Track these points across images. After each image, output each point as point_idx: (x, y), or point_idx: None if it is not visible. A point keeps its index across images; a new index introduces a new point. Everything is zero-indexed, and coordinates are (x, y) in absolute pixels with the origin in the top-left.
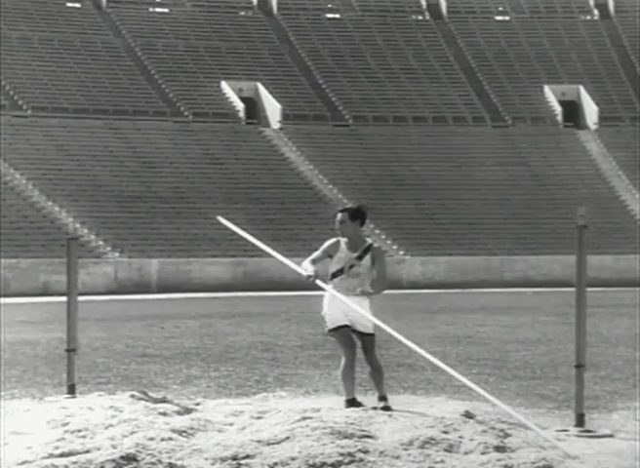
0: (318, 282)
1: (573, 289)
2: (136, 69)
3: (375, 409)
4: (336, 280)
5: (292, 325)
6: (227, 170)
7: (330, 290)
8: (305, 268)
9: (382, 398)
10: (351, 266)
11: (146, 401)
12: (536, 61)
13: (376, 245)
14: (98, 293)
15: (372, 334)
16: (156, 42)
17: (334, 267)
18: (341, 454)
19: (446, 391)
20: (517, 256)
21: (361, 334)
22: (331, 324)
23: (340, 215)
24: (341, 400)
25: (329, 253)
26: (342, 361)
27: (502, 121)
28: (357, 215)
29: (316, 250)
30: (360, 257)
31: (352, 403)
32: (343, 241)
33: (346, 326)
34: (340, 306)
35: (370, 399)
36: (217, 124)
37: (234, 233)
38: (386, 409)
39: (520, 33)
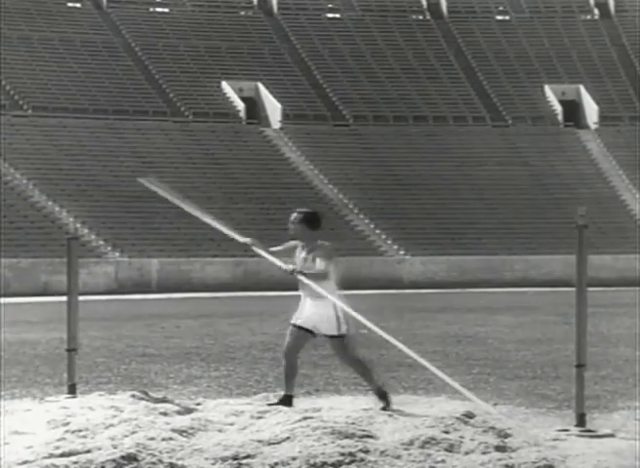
0: (300, 276)
1: (573, 288)
2: (136, 69)
3: (384, 409)
4: (299, 282)
5: None
6: (227, 169)
7: (319, 289)
8: (286, 262)
9: (379, 392)
10: (301, 265)
11: (147, 401)
12: (536, 61)
13: (326, 244)
14: (98, 293)
15: (336, 336)
16: (156, 42)
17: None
18: (342, 454)
19: (446, 391)
20: (517, 256)
21: (327, 338)
22: (296, 318)
23: (292, 216)
24: (342, 400)
25: (287, 253)
26: (285, 360)
27: (503, 120)
28: (306, 219)
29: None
30: (305, 260)
31: (287, 400)
32: (301, 244)
33: (301, 328)
34: (308, 310)
35: (370, 398)
36: (217, 124)
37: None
38: (384, 409)
39: (520, 33)
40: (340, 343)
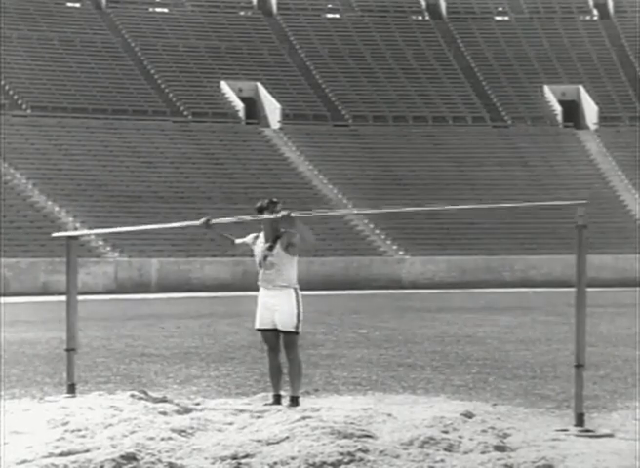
0: (214, 221)
1: (573, 288)
2: (135, 69)
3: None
4: (259, 275)
5: None
6: (227, 169)
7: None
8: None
9: (294, 399)
10: (265, 258)
11: (146, 400)
12: (535, 61)
13: (289, 231)
14: (97, 293)
15: (292, 332)
16: (156, 42)
17: (255, 261)
18: (341, 454)
19: (445, 391)
20: (517, 256)
21: (281, 332)
22: (257, 323)
23: (277, 206)
24: (341, 400)
25: (247, 244)
26: (268, 363)
27: (502, 121)
28: (260, 209)
29: (315, 249)
30: (271, 247)
31: (276, 399)
32: (262, 235)
33: (271, 329)
34: (267, 304)
35: (369, 398)
36: (216, 124)
37: (234, 233)
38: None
39: (520, 33)
40: (295, 340)
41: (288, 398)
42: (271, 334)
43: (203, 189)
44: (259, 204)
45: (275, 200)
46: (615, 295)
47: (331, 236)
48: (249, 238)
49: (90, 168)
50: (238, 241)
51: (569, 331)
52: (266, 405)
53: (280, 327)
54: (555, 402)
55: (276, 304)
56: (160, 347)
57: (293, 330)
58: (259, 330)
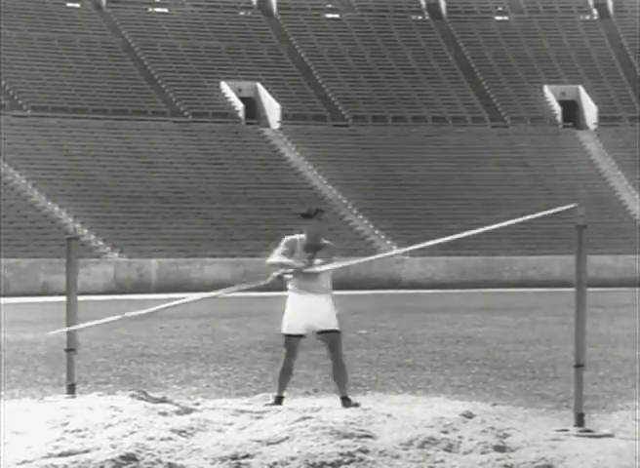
0: (287, 276)
1: (572, 289)
2: (135, 69)
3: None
4: (293, 280)
5: None
6: (227, 170)
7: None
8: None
9: (346, 399)
10: (307, 264)
11: (146, 400)
12: (535, 61)
13: (328, 242)
14: (97, 293)
15: (336, 331)
16: (156, 42)
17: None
18: (341, 454)
19: (445, 391)
20: (517, 256)
21: (325, 333)
22: (286, 329)
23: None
24: (339, 400)
25: (286, 253)
26: (281, 364)
27: (502, 121)
28: (307, 216)
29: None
30: (312, 257)
31: (279, 400)
32: (299, 240)
33: (299, 335)
34: (303, 310)
35: (369, 398)
36: (216, 124)
37: (234, 233)
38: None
39: (519, 33)
40: (340, 338)
41: (340, 400)
42: (297, 340)
43: (203, 189)
44: (304, 210)
45: (323, 209)
46: (614, 296)
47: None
48: (286, 244)
49: (90, 168)
50: (286, 249)
51: (569, 332)
52: (267, 405)
53: (322, 327)
54: (555, 402)
55: (314, 307)
56: (160, 347)
57: (337, 328)
58: (287, 335)
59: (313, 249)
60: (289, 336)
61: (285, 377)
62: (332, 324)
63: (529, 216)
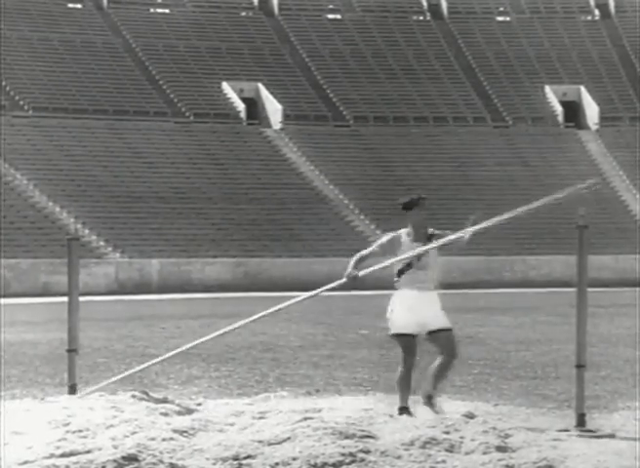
0: (362, 272)
1: (573, 289)
2: (136, 70)
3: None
4: (403, 276)
5: (292, 325)
6: (228, 170)
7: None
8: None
9: (430, 398)
10: (419, 258)
11: (147, 401)
12: (536, 62)
13: (437, 231)
14: (98, 294)
15: (450, 329)
16: (157, 42)
17: (399, 263)
18: (343, 454)
19: (447, 391)
20: (517, 256)
21: (438, 331)
22: (395, 328)
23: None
24: (342, 400)
25: (385, 250)
26: (400, 368)
27: (503, 121)
28: (409, 205)
29: (317, 250)
30: (425, 245)
31: (404, 410)
32: (404, 233)
33: (412, 335)
34: (414, 306)
35: (371, 398)
36: (217, 124)
37: (235, 233)
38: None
39: (520, 33)
40: (454, 336)
41: (424, 398)
42: (414, 340)
43: (204, 190)
44: (407, 199)
45: (424, 196)
46: (615, 296)
47: (331, 236)
48: (386, 241)
49: (91, 168)
50: (376, 249)
51: (569, 332)
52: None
53: (439, 326)
54: (556, 402)
55: (427, 304)
56: (161, 348)
57: (451, 326)
58: (401, 335)
59: (424, 238)
60: (402, 336)
61: (405, 384)
62: (446, 321)
63: (551, 197)
